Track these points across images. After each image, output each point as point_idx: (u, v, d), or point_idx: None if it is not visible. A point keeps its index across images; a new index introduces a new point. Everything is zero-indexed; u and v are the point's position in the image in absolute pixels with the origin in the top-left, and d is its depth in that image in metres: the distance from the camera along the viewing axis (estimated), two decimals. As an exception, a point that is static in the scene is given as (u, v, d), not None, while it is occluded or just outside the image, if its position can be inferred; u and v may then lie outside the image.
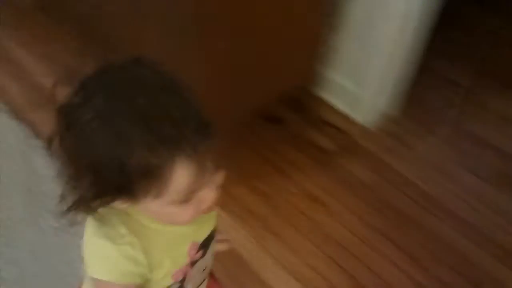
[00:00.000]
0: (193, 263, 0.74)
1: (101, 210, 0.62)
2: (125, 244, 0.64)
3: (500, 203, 1.62)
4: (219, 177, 0.63)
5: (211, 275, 0.88)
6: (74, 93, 0.58)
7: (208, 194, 0.63)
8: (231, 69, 1.41)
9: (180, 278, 0.73)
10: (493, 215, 1.59)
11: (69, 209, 0.61)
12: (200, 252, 0.75)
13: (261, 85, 1.58)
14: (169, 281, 0.72)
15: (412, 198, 1.63)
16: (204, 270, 0.80)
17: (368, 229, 1.54)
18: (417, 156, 1.77)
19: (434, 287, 1.41)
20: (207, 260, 0.79)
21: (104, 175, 0.57)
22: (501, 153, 1.78)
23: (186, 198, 0.60)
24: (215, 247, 0.82)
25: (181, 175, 0.57)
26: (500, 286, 1.43)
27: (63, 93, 0.59)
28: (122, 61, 0.60)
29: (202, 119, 0.59)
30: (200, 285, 0.82)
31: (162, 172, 0.56)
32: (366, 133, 1.83)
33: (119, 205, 0.61)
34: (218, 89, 1.36)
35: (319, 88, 1.90)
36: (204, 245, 0.75)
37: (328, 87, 1.88)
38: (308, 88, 1.89)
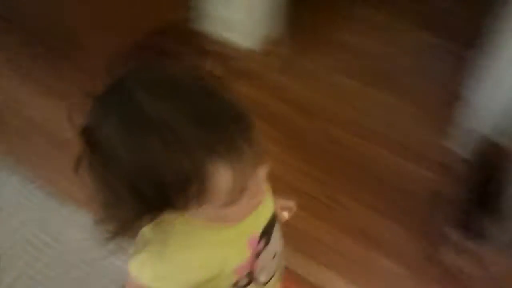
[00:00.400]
0: (258, 254, 0.71)
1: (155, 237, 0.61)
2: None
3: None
4: (264, 169, 0.59)
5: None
6: (90, 113, 0.55)
7: (256, 188, 0.59)
8: (103, 5, 1.49)
9: (246, 272, 0.71)
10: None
11: (112, 236, 0.57)
12: (263, 242, 0.72)
13: (137, 19, 1.55)
14: (232, 277, 0.69)
15: (305, 110, 1.71)
16: (274, 257, 0.76)
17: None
18: (305, 73, 1.84)
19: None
20: (275, 246, 0.75)
21: (140, 191, 0.53)
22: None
23: (233, 199, 0.56)
24: (280, 229, 0.77)
25: (220, 177, 0.52)
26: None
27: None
28: (130, 70, 0.57)
29: (231, 112, 0.55)
30: (274, 274, 0.79)
31: (197, 178, 0.52)
32: (252, 56, 1.85)
33: (167, 215, 0.58)
34: (99, 24, 1.48)
35: (199, 18, 1.85)
36: (265, 233, 0.72)
37: (206, 16, 1.85)
38: (188, 19, 1.82)
